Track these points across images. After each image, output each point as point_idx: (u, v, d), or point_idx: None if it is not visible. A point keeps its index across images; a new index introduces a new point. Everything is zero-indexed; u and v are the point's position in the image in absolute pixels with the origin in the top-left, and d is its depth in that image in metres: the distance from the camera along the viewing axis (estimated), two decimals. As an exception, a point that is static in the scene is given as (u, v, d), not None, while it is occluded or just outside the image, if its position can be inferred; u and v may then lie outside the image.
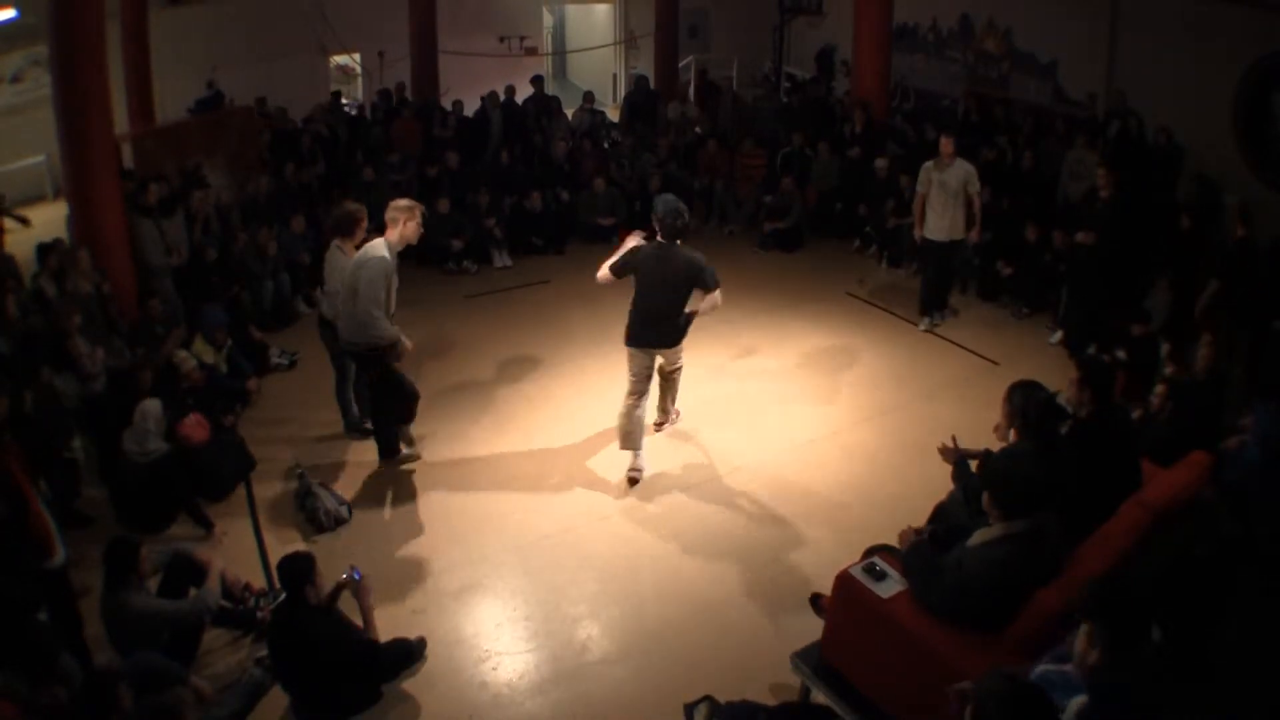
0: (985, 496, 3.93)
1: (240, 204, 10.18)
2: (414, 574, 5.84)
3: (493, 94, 13.49)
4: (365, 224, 6.72)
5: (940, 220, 8.80)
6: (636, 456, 6.76)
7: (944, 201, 8.72)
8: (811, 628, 4.79)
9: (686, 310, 6.50)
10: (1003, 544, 3.85)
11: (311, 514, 6.25)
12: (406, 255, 6.60)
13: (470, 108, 13.39)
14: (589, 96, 14.36)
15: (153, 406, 6.14)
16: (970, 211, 8.77)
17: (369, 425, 7.19)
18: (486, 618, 5.51)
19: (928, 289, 9.31)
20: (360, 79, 16.25)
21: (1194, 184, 9.98)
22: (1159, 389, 6.02)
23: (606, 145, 13.07)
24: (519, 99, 13.52)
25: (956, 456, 4.91)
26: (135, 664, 4.34)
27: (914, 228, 9.19)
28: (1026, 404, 4.59)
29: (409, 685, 4.97)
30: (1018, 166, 10.82)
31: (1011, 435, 4.80)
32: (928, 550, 4.25)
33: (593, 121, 13.78)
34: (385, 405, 6.85)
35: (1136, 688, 2.90)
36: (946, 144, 8.69)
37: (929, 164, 8.82)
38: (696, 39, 18.43)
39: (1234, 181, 9.90)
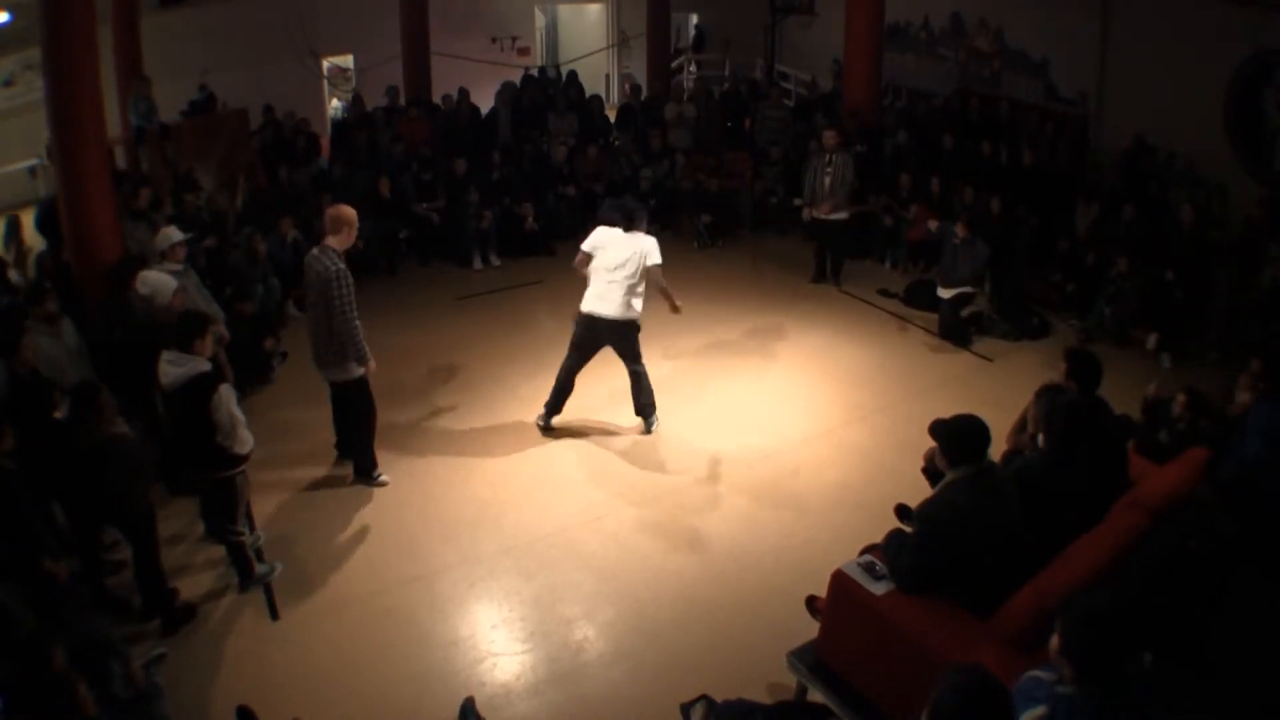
0: (937, 453, 4.20)
1: (235, 209, 10.18)
2: (409, 576, 5.83)
3: (506, 85, 13.54)
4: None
5: (825, 199, 9.99)
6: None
7: (828, 183, 9.93)
8: (807, 626, 4.80)
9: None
10: (949, 489, 4.08)
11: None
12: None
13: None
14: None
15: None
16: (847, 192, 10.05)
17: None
18: (482, 619, 5.50)
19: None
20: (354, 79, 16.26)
21: (1187, 184, 10.03)
22: (1180, 399, 6.03)
23: (602, 144, 13.07)
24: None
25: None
26: (76, 632, 4.31)
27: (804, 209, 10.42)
28: (1052, 410, 4.65)
29: (405, 686, 4.97)
30: (1017, 164, 10.82)
31: (1039, 440, 4.88)
32: (896, 531, 4.43)
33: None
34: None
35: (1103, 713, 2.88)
36: (830, 136, 9.98)
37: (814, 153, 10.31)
38: (680, 39, 18.51)
39: (1226, 178, 9.94)
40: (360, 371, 6.39)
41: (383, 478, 6.80)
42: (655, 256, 7.01)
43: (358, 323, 6.20)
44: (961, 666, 2.73)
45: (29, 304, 6.66)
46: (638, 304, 7.05)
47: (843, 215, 10.12)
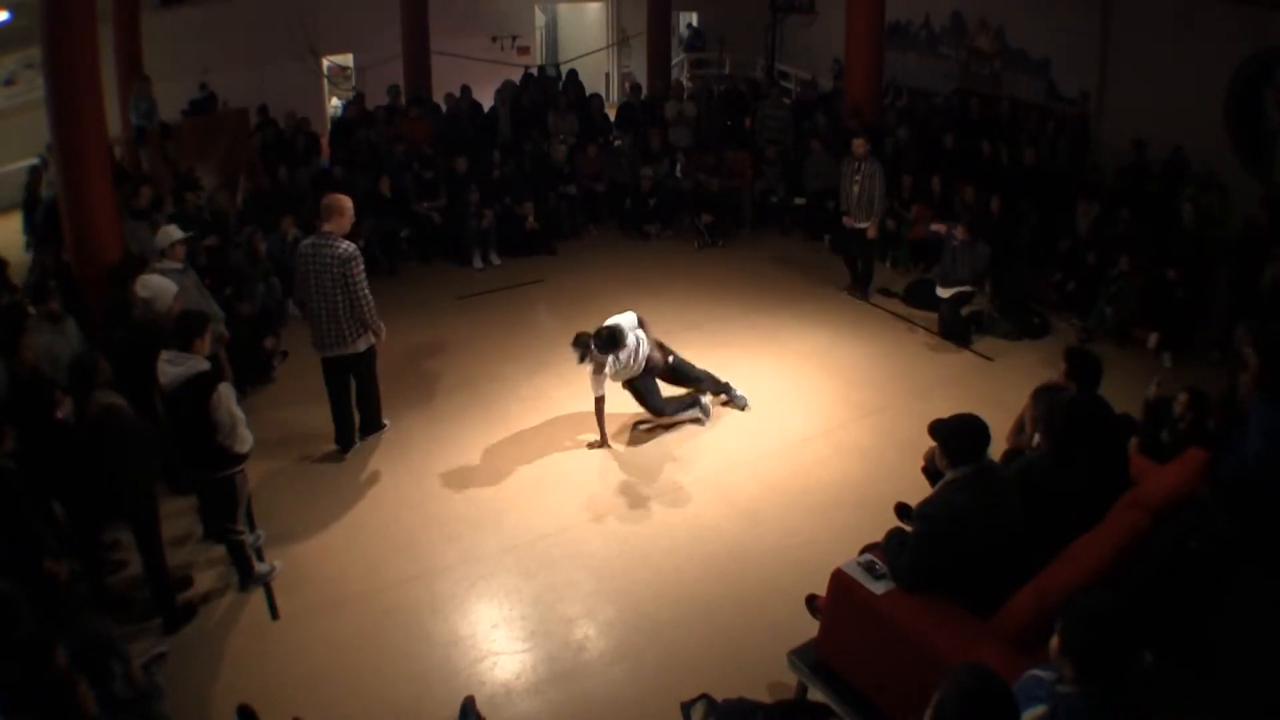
0: (937, 453, 4.20)
1: (235, 208, 10.19)
2: (410, 575, 5.83)
3: (505, 84, 13.55)
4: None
5: (854, 207, 9.86)
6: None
7: (856, 191, 9.78)
8: (807, 625, 4.80)
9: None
10: (950, 488, 4.07)
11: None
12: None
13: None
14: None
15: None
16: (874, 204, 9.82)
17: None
18: (483, 618, 5.50)
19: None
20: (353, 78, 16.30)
21: (1191, 186, 10.02)
22: (1182, 398, 6.02)
23: (602, 143, 13.05)
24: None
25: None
26: (77, 631, 4.32)
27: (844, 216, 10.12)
28: (1052, 409, 4.64)
29: (406, 685, 4.98)
30: (1018, 163, 10.82)
31: (1035, 440, 4.87)
32: (896, 530, 4.42)
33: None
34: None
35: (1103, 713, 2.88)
36: (859, 144, 9.69)
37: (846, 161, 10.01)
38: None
39: (1227, 178, 9.94)
40: (373, 340, 6.89)
41: (387, 422, 7.43)
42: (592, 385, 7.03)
43: (371, 298, 6.71)
44: (966, 667, 2.73)
45: (32, 302, 6.68)
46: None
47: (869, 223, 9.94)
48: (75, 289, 7.59)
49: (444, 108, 13.21)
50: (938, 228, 9.52)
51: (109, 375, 5.32)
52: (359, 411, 7.24)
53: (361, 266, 6.59)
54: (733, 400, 7.75)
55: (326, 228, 6.60)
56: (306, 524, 6.33)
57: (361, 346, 6.83)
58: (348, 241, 6.60)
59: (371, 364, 7.05)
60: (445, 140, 12.36)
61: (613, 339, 6.72)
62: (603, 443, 7.20)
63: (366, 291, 6.63)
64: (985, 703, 2.59)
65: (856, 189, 9.78)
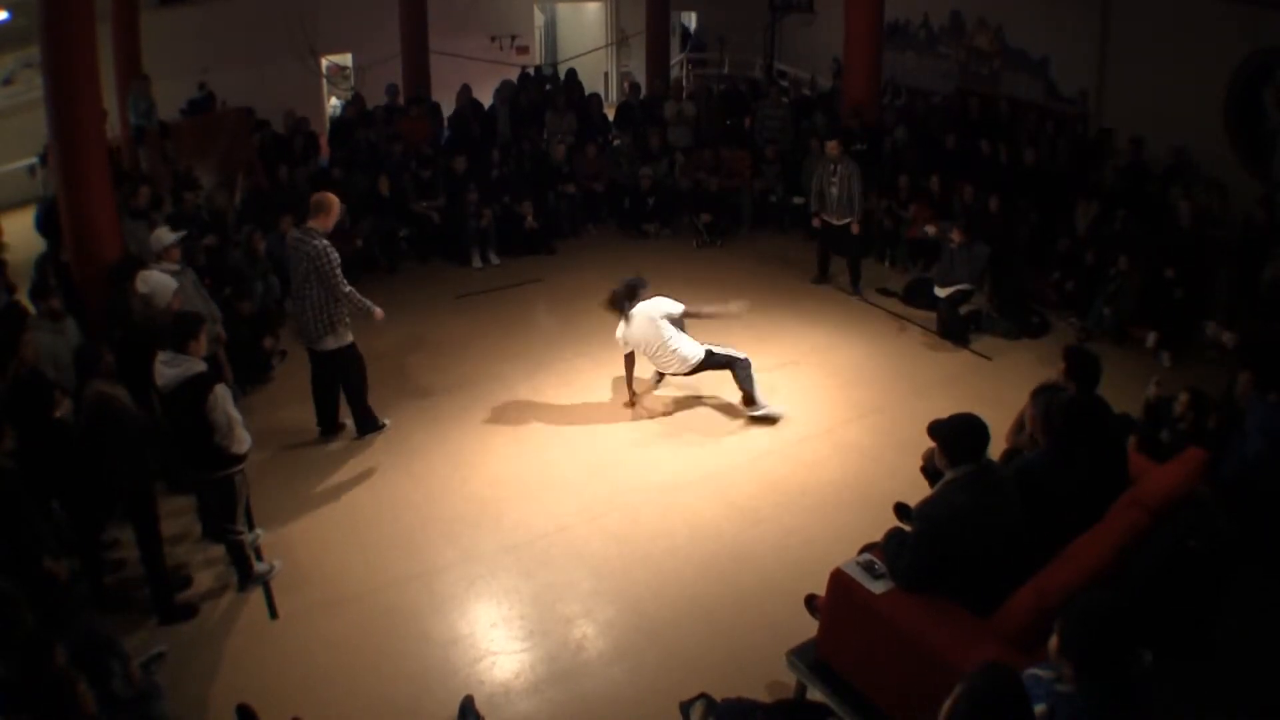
0: (936, 452, 4.19)
1: (233, 207, 10.18)
2: (409, 574, 5.83)
3: (504, 84, 13.54)
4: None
5: (834, 207, 9.94)
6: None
7: (835, 192, 9.86)
8: (806, 625, 4.80)
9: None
10: (950, 488, 4.06)
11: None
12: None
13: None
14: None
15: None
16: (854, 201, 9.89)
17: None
18: (482, 617, 5.50)
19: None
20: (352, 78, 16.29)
21: (1178, 185, 10.02)
22: (1182, 398, 6.02)
23: (601, 142, 13.05)
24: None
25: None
26: (76, 631, 4.33)
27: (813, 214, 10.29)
28: (1051, 409, 4.63)
29: (405, 685, 4.97)
30: (1018, 163, 10.82)
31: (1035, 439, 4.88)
32: (895, 530, 4.41)
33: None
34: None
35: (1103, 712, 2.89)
36: (833, 146, 9.78)
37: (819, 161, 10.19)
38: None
39: (1226, 177, 9.94)
40: (350, 338, 6.99)
41: (387, 421, 7.44)
42: (671, 308, 7.36)
43: (350, 288, 6.81)
44: (984, 667, 2.72)
45: (33, 300, 6.69)
46: (687, 349, 7.35)
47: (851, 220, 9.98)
48: (75, 289, 7.59)
49: (454, 106, 13.19)
50: (931, 229, 9.51)
51: (111, 367, 5.38)
52: (351, 412, 7.33)
53: (328, 261, 6.65)
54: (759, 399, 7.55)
55: (311, 224, 6.75)
56: (305, 523, 6.33)
57: (330, 345, 6.91)
58: (321, 240, 6.68)
59: (346, 366, 7.09)
60: (452, 139, 12.37)
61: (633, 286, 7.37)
62: (634, 398, 7.74)
63: (340, 284, 6.72)
64: (995, 704, 2.59)
65: (835, 190, 9.84)
